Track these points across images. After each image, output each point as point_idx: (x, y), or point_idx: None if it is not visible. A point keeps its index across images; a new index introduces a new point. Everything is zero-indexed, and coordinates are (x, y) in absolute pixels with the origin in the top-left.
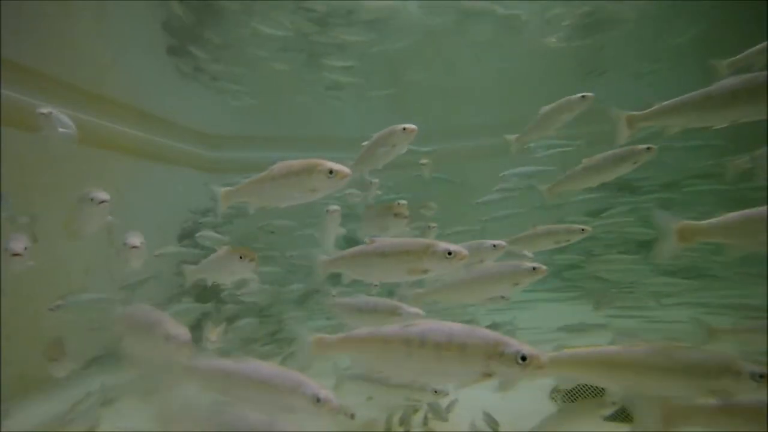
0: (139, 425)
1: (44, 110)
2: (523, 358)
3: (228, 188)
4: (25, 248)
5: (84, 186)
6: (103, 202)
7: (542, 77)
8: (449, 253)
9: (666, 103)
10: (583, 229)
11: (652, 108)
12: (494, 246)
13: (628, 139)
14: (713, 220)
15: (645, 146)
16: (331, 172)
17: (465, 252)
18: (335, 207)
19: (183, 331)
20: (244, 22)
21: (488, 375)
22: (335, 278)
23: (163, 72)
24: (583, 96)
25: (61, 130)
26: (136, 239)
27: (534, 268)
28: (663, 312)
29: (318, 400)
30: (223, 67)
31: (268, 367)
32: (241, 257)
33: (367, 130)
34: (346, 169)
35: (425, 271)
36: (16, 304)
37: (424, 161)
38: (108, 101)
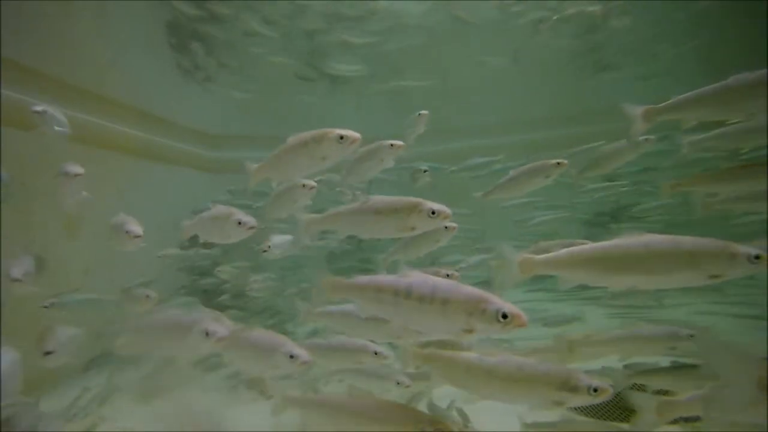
0: (138, 425)
1: (38, 108)
2: (504, 316)
3: (257, 165)
4: (25, 274)
5: (84, 186)
6: (77, 175)
7: (541, 77)
8: (433, 212)
9: (683, 95)
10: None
11: (669, 101)
12: (446, 228)
13: (644, 133)
14: (548, 255)
15: (556, 161)
16: (341, 138)
17: (448, 212)
18: (312, 183)
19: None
20: (245, 22)
21: (469, 331)
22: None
23: (164, 72)
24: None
25: (57, 128)
26: (137, 228)
27: (448, 275)
28: (664, 312)
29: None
30: (223, 67)
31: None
32: (239, 223)
33: (368, 130)
34: (355, 134)
35: (412, 229)
36: (16, 304)
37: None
38: (108, 101)
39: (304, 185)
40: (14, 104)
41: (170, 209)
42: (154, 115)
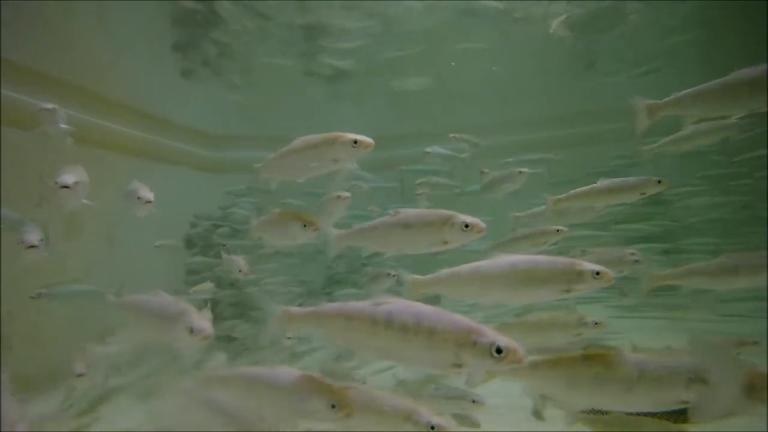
0: (138, 425)
1: (48, 106)
2: (499, 351)
3: (260, 164)
4: (41, 240)
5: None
6: (65, 186)
7: (538, 76)
8: (466, 225)
9: (687, 91)
10: (558, 230)
11: (673, 96)
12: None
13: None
14: (430, 276)
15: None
16: (355, 142)
17: (482, 225)
18: (347, 194)
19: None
20: (245, 22)
21: (458, 366)
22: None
23: (165, 72)
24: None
25: (62, 126)
26: (149, 193)
27: (388, 274)
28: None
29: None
30: (224, 67)
31: None
32: (305, 225)
33: (368, 130)
34: (369, 140)
35: (445, 243)
36: (16, 304)
37: (420, 192)
38: (108, 101)
39: (338, 196)
40: (14, 104)
41: (170, 209)
42: (154, 115)
